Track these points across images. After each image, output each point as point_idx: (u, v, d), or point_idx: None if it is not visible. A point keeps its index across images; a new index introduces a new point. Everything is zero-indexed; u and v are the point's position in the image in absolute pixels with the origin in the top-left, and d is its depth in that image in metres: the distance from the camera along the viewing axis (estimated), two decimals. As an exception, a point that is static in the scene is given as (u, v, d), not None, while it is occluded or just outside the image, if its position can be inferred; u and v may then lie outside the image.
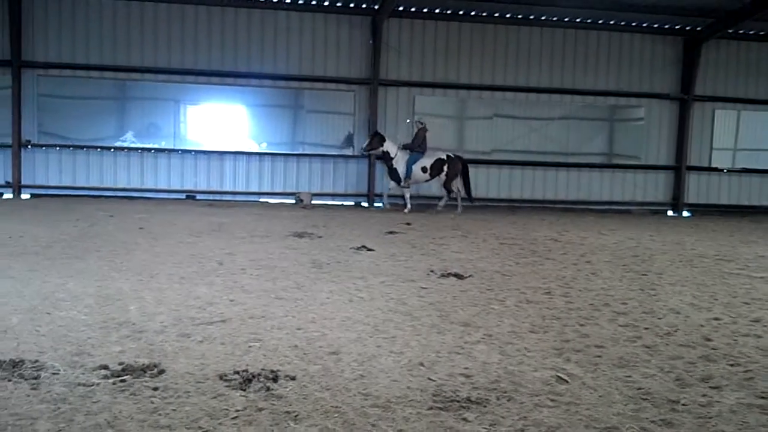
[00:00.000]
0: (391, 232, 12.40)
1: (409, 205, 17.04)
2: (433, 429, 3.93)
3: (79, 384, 4.34)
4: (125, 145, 17.48)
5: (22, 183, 17.01)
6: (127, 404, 4.06)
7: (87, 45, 17.04)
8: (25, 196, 17.00)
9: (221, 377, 4.54)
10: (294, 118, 18.41)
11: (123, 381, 4.41)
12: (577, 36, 19.21)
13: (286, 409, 4.09)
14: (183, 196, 17.65)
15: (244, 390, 4.34)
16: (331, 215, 15.24)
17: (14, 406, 3.96)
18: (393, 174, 17.09)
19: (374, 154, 17.40)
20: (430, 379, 4.74)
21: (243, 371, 4.62)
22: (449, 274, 8.54)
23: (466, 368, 4.99)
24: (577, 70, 19.33)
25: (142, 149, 17.48)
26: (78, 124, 17.48)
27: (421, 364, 5.04)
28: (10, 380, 4.35)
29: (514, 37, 18.89)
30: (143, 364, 4.71)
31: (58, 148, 17.21)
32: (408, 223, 13.79)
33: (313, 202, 17.44)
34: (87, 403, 4.04)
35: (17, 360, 4.68)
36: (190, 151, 17.71)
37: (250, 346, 5.29)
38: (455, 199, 17.40)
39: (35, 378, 4.39)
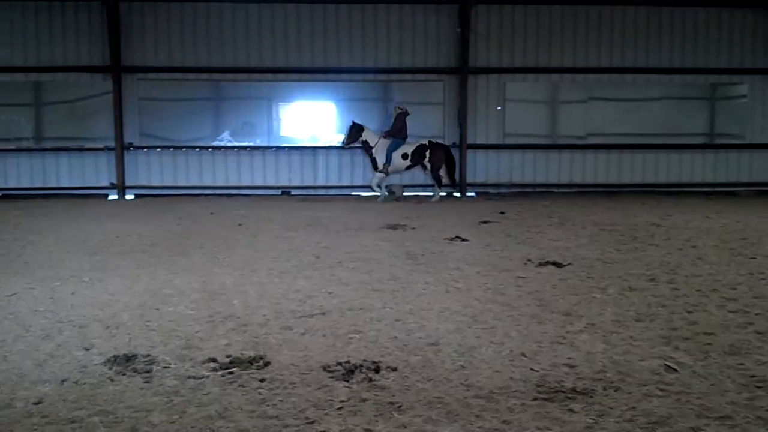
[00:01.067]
0: (484, 222, 12.28)
1: (382, 195, 16.62)
2: (539, 420, 3.87)
3: (189, 377, 4.49)
4: (222, 144, 17.96)
5: (126, 184, 17.72)
6: (236, 395, 4.17)
7: (183, 48, 17.57)
8: (129, 196, 17.70)
9: (324, 368, 4.61)
10: (384, 111, 18.46)
11: (231, 373, 4.54)
12: (673, 13, 18.48)
13: (389, 399, 4.11)
14: (278, 192, 17.98)
15: (348, 381, 4.39)
16: (423, 206, 15.23)
17: (129, 398, 4.14)
18: (374, 163, 16.70)
19: (355, 145, 16.94)
20: (532, 369, 4.68)
21: (345, 362, 4.68)
22: (547, 263, 8.39)
23: (570, 358, 4.89)
24: (675, 48, 18.58)
25: (238, 148, 17.92)
26: (177, 126, 18.05)
27: (523, 355, 4.98)
28: (124, 374, 4.54)
29: (608, 17, 18.32)
30: (249, 357, 4.83)
31: (159, 150, 17.82)
32: (502, 212, 13.63)
33: (405, 193, 17.47)
34: (198, 395, 4.17)
35: (130, 355, 4.89)
36: (284, 148, 18.03)
37: (350, 338, 5.35)
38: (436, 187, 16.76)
39: (148, 372, 4.57)
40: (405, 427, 3.75)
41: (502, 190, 18.14)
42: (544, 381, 4.45)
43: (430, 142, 16.68)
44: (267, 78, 17.90)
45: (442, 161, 16.59)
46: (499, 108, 18.20)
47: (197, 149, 17.89)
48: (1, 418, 3.83)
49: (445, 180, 16.80)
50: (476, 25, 17.90)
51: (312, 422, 3.78)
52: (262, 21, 17.69)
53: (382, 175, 16.58)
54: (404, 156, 16.43)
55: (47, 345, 5.17)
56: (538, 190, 18.15)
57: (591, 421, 3.84)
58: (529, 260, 8.59)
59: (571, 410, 3.98)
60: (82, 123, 17.74)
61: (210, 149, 17.96)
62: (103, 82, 17.45)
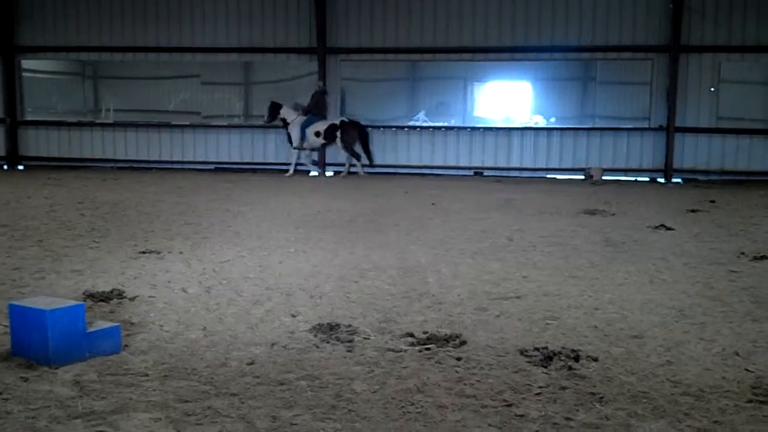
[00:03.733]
0: (692, 210, 11.54)
1: (291, 170, 17.40)
2: (754, 423, 3.59)
3: (388, 349, 4.60)
4: (417, 124, 18.22)
5: (327, 162, 18.50)
6: (434, 372, 4.21)
7: (384, 29, 17.96)
8: (329, 173, 18.49)
9: (521, 352, 4.54)
10: (583, 91, 17.86)
11: (428, 349, 4.59)
12: None
13: (589, 390, 3.97)
14: (471, 172, 17.99)
15: (546, 367, 4.29)
16: (623, 192, 14.59)
17: (333, 365, 4.30)
18: (289, 139, 17.34)
19: (276, 124, 17.53)
20: (747, 370, 4.34)
21: (543, 348, 4.58)
22: (763, 257, 7.72)
23: (792, 362, 4.47)
24: None
25: (433, 128, 18.10)
26: (374, 106, 18.58)
27: (737, 354, 4.62)
28: (328, 342, 4.74)
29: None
30: (446, 335, 4.86)
31: (358, 129, 18.47)
32: (712, 201, 12.73)
33: (604, 177, 16.83)
34: (397, 368, 4.26)
35: (333, 324, 5.09)
36: (478, 128, 17.97)
37: (547, 324, 5.23)
38: (354, 165, 17.43)
39: (349, 341, 4.73)
40: (607, 419, 3.60)
41: (713, 177, 16.96)
42: (760, 383, 4.11)
43: (342, 121, 17.13)
44: (465, 58, 17.86)
45: (355, 139, 17.19)
46: (712, 89, 16.95)
47: (393, 129, 18.26)
48: (218, 375, 4.12)
49: (364, 159, 17.37)
50: (690, 0, 16.73)
51: (510, 405, 3.73)
52: (463, 0, 17.62)
53: (299, 149, 17.38)
54: (317, 134, 17.06)
55: (258, 310, 5.51)
56: (753, 178, 16.77)
57: (818, 432, 3.49)
58: (742, 253, 7.96)
59: (793, 418, 3.64)
60: (286, 102, 18.69)
61: (405, 129, 18.27)
62: (309, 63, 18.26)
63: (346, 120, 17.33)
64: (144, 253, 7.61)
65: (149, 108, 19.39)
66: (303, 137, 17.12)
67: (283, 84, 18.79)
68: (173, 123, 18.76)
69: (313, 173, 18.08)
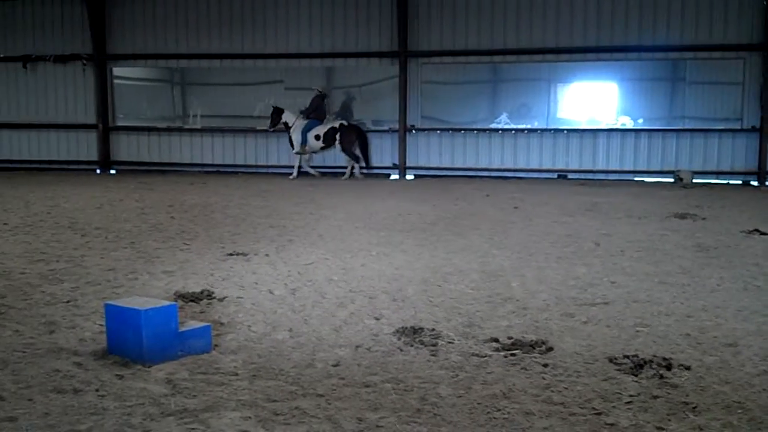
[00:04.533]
0: (788, 214, 11.05)
1: (295, 173, 17.76)
2: None
3: (472, 354, 4.57)
4: (499, 126, 18.06)
5: (407, 165, 18.55)
6: (520, 378, 4.16)
7: (466, 31, 17.87)
8: (409, 177, 18.52)
9: (610, 360, 4.43)
10: (672, 91, 17.32)
11: (513, 355, 4.54)
12: None
13: (682, 399, 3.85)
14: (554, 175, 17.68)
15: (636, 375, 4.18)
16: (714, 195, 14.08)
17: (417, 369, 4.30)
18: (291, 143, 17.69)
19: (279, 128, 17.91)
20: None
21: (633, 356, 4.46)
22: None
23: None
24: None
25: (515, 130, 17.89)
26: (455, 108, 18.51)
27: (842, 366, 4.39)
28: (411, 345, 4.74)
29: None
30: (531, 340, 4.80)
31: (438, 132, 18.40)
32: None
33: (694, 180, 16.27)
34: (482, 373, 4.23)
35: (416, 327, 5.09)
36: (561, 130, 17.66)
37: (637, 331, 5.09)
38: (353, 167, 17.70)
39: (433, 345, 4.73)
40: (701, 430, 3.49)
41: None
42: None
43: (341, 124, 17.41)
44: (549, 59, 17.58)
45: (354, 142, 17.42)
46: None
47: (475, 131, 18.16)
48: (305, 376, 4.18)
49: (362, 162, 17.68)
50: (785, -4, 16.03)
51: (599, 413, 3.65)
52: (547, 0, 17.37)
53: (300, 153, 17.70)
54: (317, 137, 17.37)
55: (342, 312, 5.56)
56: None
57: None
58: None
59: None
60: (368, 106, 18.88)
61: (487, 131, 18.13)
62: (390, 67, 18.34)
63: (345, 123, 17.62)
64: (231, 255, 7.80)
65: (234, 114, 19.85)
66: (304, 141, 17.50)
67: (365, 88, 18.94)
68: (257, 128, 19.15)
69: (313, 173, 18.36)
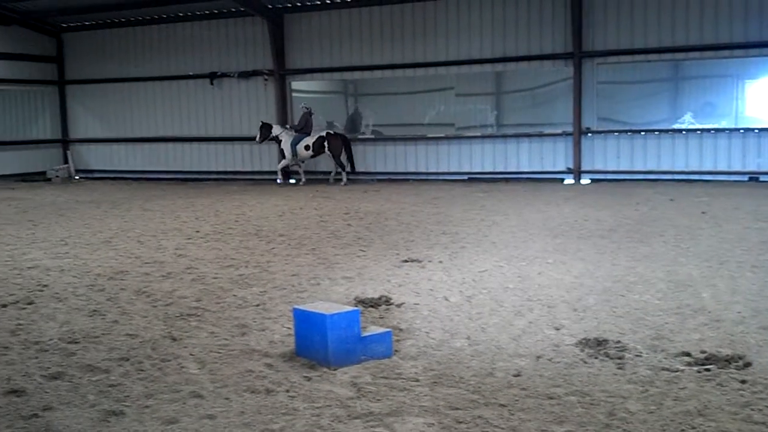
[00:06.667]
0: None
1: (280, 179, 19.53)
2: None
3: (662, 368, 4.34)
4: (682, 126, 17.08)
5: (582, 169, 17.97)
6: (715, 394, 3.90)
7: (644, 29, 17.05)
8: (584, 181, 17.93)
9: (821, 380, 4.05)
10: None
11: (707, 370, 4.26)
12: None
13: None
14: (745, 178, 16.44)
15: None
16: None
17: (603, 383, 4.14)
18: (281, 154, 19.22)
19: (270, 141, 19.24)
20: None
21: None
22: None
23: None
24: None
25: (700, 130, 16.84)
26: (633, 109, 17.72)
27: None
28: (596, 358, 4.57)
29: None
30: (727, 355, 4.49)
31: (616, 134, 17.68)
32: None
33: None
34: (674, 389, 4.00)
35: (600, 339, 4.91)
36: (752, 130, 16.39)
37: None
38: (340, 173, 18.69)
39: (619, 358, 4.53)
40: None
41: None
42: None
43: (327, 133, 18.65)
44: (737, 54, 16.42)
45: (340, 149, 18.50)
46: None
47: (656, 132, 17.30)
48: (485, 385, 4.15)
49: (347, 167, 18.69)
50: None
51: (810, 438, 3.34)
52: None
53: (293, 164, 19.32)
54: (306, 147, 18.67)
55: (520, 321, 5.47)
56: None
57: None
58: None
59: None
60: (539, 109, 18.54)
61: (669, 132, 17.22)
62: (563, 69, 17.89)
63: (332, 132, 18.85)
64: (406, 261, 7.91)
65: (405, 122, 20.17)
66: (294, 153, 18.91)
67: (537, 91, 18.62)
68: (429, 135, 19.34)
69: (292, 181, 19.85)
